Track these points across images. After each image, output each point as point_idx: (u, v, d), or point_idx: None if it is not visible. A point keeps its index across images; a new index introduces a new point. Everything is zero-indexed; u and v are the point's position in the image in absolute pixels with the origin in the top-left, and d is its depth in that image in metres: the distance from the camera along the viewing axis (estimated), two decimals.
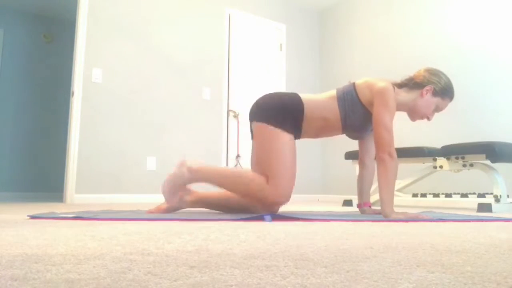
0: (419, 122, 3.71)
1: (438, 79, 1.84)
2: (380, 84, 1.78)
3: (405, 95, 1.88)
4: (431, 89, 1.83)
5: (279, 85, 5.03)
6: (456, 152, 2.83)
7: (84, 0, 3.81)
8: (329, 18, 5.47)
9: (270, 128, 1.87)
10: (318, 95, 1.96)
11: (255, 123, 1.93)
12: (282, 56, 5.12)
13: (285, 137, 1.85)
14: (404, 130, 4.02)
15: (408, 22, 4.34)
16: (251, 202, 1.86)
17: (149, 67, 4.11)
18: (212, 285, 0.50)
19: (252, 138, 1.97)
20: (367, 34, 4.84)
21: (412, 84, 1.87)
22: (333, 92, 1.91)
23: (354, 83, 1.88)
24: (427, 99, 1.84)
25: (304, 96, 1.93)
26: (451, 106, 3.69)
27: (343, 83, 5.18)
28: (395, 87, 1.88)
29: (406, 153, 3.19)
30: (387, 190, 1.68)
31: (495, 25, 3.54)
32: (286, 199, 1.83)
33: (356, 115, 1.83)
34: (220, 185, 1.88)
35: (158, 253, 0.75)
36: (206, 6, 4.55)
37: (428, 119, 1.90)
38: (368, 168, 2.09)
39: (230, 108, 4.59)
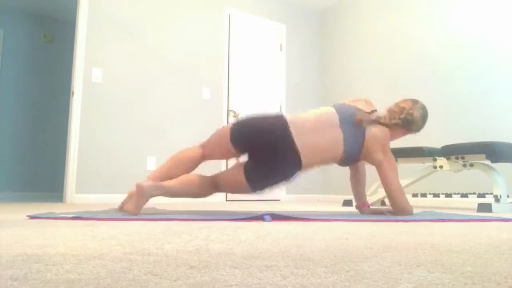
0: None
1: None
2: (385, 155, 1.87)
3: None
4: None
5: (279, 86, 5.02)
6: (456, 152, 2.83)
7: (84, 0, 3.81)
8: (330, 18, 5.47)
9: None
10: (318, 134, 1.83)
11: None
12: (282, 56, 5.12)
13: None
14: None
15: (408, 22, 4.34)
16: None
17: (149, 67, 4.11)
18: (212, 285, 0.50)
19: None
20: (367, 34, 4.84)
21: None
22: (339, 135, 1.83)
23: (364, 132, 1.85)
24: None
25: (301, 142, 1.79)
26: (451, 106, 3.71)
27: (344, 83, 5.20)
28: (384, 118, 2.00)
29: (406, 153, 3.19)
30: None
31: (496, 25, 3.54)
32: None
33: (355, 158, 1.93)
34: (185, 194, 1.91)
35: (158, 253, 0.75)
36: (206, 6, 4.55)
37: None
38: (360, 170, 2.15)
39: (230, 108, 4.59)
